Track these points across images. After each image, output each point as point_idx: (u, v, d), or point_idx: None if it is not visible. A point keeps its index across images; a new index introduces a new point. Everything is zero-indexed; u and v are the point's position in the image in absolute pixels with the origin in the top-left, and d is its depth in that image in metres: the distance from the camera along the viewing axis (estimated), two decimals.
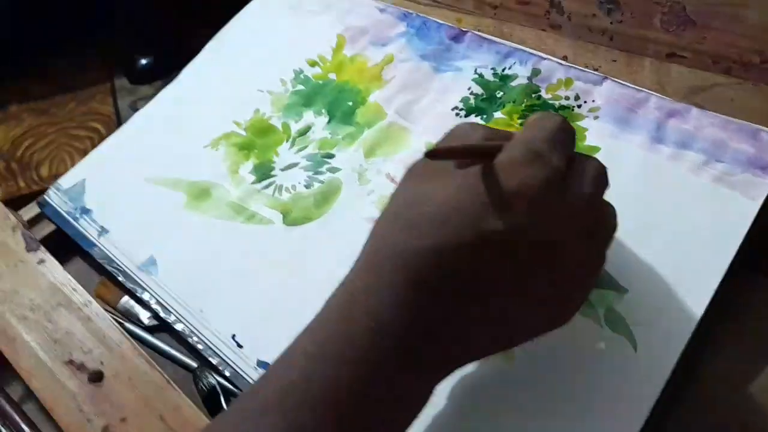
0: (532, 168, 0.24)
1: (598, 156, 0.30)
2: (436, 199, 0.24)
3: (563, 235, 0.24)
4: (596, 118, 0.37)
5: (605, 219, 0.27)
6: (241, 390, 0.34)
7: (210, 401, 0.34)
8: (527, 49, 0.41)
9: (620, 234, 0.29)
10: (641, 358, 0.29)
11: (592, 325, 0.30)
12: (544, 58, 0.40)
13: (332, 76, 0.45)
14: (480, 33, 0.43)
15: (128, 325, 0.39)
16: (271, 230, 0.38)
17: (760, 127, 0.34)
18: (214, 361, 0.35)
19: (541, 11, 0.41)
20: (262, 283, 0.36)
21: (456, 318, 0.24)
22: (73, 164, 0.47)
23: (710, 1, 0.34)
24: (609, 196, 0.27)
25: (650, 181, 0.34)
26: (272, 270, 0.37)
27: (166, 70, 0.56)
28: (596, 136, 0.36)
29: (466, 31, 0.44)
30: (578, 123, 0.37)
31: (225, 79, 0.48)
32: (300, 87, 0.45)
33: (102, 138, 0.50)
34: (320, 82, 0.45)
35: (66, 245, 0.43)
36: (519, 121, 0.38)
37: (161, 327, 0.39)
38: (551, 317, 0.26)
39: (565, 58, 0.41)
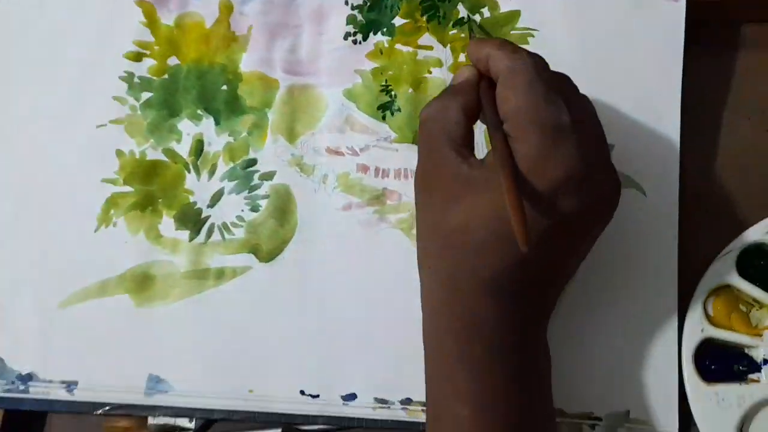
0: (554, 158, 0.23)
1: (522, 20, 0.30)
2: (478, 221, 0.24)
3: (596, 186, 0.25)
4: None
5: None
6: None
7: None
8: None
9: (583, 88, 0.29)
10: (650, 198, 0.32)
11: None
12: None
13: (173, 61, 0.35)
14: None
15: None
16: (254, 275, 0.34)
17: None
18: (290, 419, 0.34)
19: None
20: (286, 330, 0.34)
21: (542, 298, 0.26)
22: None
23: None
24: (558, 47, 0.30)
25: (579, 23, 0.33)
26: (286, 311, 0.34)
27: None
28: None
29: None
30: None
31: (46, 139, 0.35)
32: (146, 95, 0.35)
33: None
34: (166, 76, 0.35)
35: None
36: (425, 18, 0.34)
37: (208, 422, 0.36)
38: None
39: None
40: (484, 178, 0.24)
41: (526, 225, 0.21)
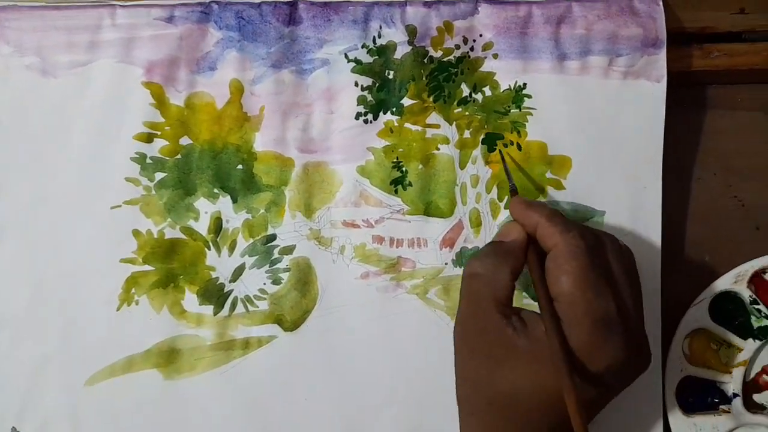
0: (603, 349, 0.27)
1: (529, 102, 0.36)
2: (527, 391, 0.27)
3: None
4: (496, 56, 0.37)
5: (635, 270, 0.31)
6: None
7: None
8: None
9: (578, 160, 0.35)
10: (637, 257, 0.37)
11: None
12: (405, 2, 0.36)
13: (185, 140, 0.37)
14: None
15: None
16: (279, 344, 0.37)
17: None
18: None
19: None
20: (312, 395, 0.37)
21: None
22: None
23: None
24: (556, 124, 0.36)
25: (572, 103, 0.37)
26: (312, 376, 0.37)
27: None
28: (506, 76, 0.37)
29: (296, 2, 0.36)
30: (483, 69, 0.37)
31: (62, 221, 0.37)
32: (160, 175, 0.37)
33: None
34: (179, 156, 0.37)
35: None
36: (431, 98, 0.37)
37: None
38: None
39: None
40: (530, 349, 0.27)
41: (584, 415, 0.25)
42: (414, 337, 0.37)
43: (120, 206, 0.37)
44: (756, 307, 0.38)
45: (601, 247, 0.29)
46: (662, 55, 0.36)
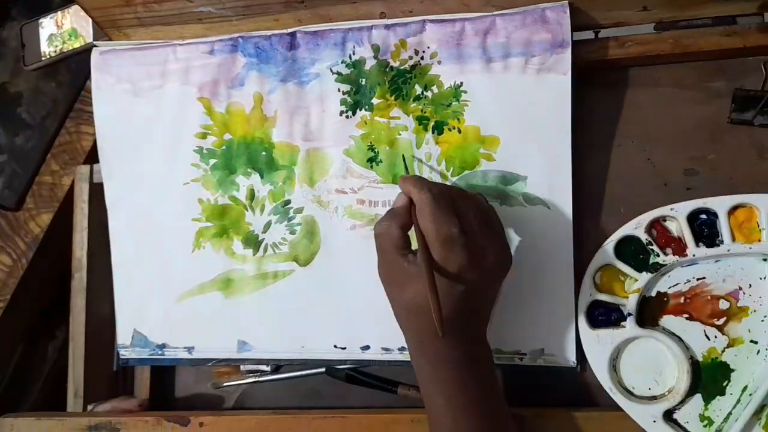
0: (451, 258, 0.40)
1: (465, 96, 0.48)
2: (420, 297, 0.40)
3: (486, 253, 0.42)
4: (440, 62, 0.49)
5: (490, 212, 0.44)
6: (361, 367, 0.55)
7: (350, 379, 0.56)
8: (353, 24, 0.50)
9: (504, 139, 0.48)
10: (552, 210, 0.49)
11: (517, 209, 0.50)
12: (371, 27, 0.50)
13: (227, 136, 0.54)
14: (305, 29, 0.51)
15: (262, 377, 0.58)
16: (298, 275, 0.54)
17: (543, 5, 0.47)
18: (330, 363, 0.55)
19: None
20: (321, 308, 0.54)
21: (475, 327, 0.44)
22: None
23: None
24: (486, 111, 0.48)
25: (497, 95, 0.49)
26: (320, 296, 0.54)
27: None
28: (448, 77, 0.49)
29: (295, 33, 0.51)
30: (430, 73, 0.50)
31: (153, 194, 0.56)
32: (212, 161, 0.54)
33: None
34: (224, 147, 0.54)
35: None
36: (393, 97, 0.50)
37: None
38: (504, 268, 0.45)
39: (383, 14, 0.50)
40: (417, 271, 0.40)
41: (441, 312, 0.38)
42: None
43: (189, 183, 0.55)
44: (651, 248, 0.48)
45: (454, 198, 0.42)
46: (567, 53, 0.47)
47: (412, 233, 0.42)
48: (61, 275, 0.72)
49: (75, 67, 0.70)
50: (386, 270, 0.43)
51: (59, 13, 0.70)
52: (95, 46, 0.56)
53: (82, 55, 0.69)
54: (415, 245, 0.42)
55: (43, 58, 0.70)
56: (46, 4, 0.72)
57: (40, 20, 0.71)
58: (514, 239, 0.50)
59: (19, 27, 0.72)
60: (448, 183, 0.51)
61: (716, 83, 0.50)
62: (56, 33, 0.71)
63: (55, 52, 0.70)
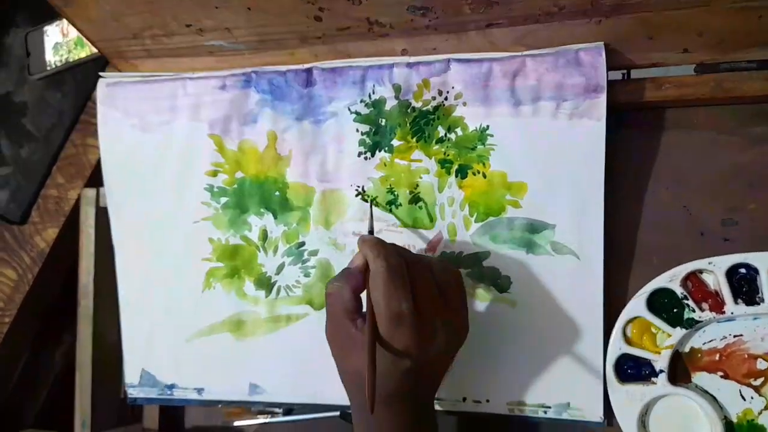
0: (396, 337, 0.38)
1: (491, 140, 0.47)
2: (361, 367, 0.38)
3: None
4: (464, 104, 0.47)
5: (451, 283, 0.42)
6: None
7: None
8: (373, 61, 0.48)
9: (532, 185, 0.46)
10: (583, 261, 0.47)
11: (544, 257, 0.48)
12: (393, 65, 0.47)
13: (239, 175, 0.52)
14: (323, 65, 0.49)
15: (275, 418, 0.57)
16: (313, 319, 0.52)
17: (577, 46, 0.45)
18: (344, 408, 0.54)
19: (364, 30, 0.46)
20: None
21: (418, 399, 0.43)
22: None
23: None
24: (514, 156, 0.46)
25: (526, 140, 0.46)
26: None
27: None
28: (473, 119, 0.47)
29: (311, 69, 0.49)
30: (454, 114, 0.48)
31: (162, 232, 0.54)
32: (224, 199, 0.53)
33: None
34: (235, 186, 0.52)
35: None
36: (414, 138, 0.48)
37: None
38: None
39: (404, 51, 0.48)
40: (364, 341, 0.38)
41: (374, 391, 0.36)
42: None
43: (199, 222, 0.53)
44: (686, 302, 0.46)
45: (412, 268, 0.40)
46: (602, 98, 0.45)
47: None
48: (67, 281, 0.71)
49: (81, 77, 0.68)
50: (333, 332, 0.42)
51: (65, 21, 0.68)
52: (101, 77, 0.54)
53: (89, 65, 0.67)
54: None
55: (48, 68, 0.69)
56: (52, 11, 0.70)
57: (45, 28, 0.69)
58: (540, 289, 0.48)
59: (24, 35, 0.70)
60: (461, 235, 0.49)
61: (757, 128, 0.47)
62: (62, 42, 0.69)
63: (61, 61, 0.68)
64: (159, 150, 0.53)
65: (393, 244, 0.43)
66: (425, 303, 0.40)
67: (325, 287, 0.42)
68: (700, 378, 0.47)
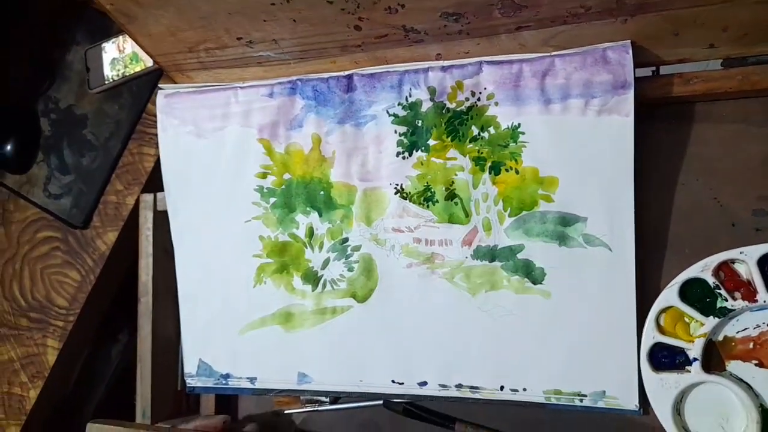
0: None
1: (523, 137, 0.49)
2: None
3: None
4: (497, 104, 0.50)
5: None
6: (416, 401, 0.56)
7: (408, 413, 0.57)
8: (409, 66, 0.51)
9: (564, 180, 0.48)
10: (615, 252, 0.49)
11: (577, 249, 0.50)
12: (428, 69, 0.51)
13: (287, 176, 0.56)
14: (362, 71, 0.52)
15: (321, 407, 0.60)
16: (356, 311, 0.56)
17: (604, 45, 0.47)
18: (387, 396, 0.57)
19: (400, 37, 0.49)
20: (378, 343, 0.55)
21: None
22: None
23: None
24: (545, 153, 0.49)
25: (556, 136, 0.49)
26: (377, 332, 0.55)
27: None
28: (505, 118, 0.50)
29: (351, 75, 0.53)
30: (487, 114, 0.50)
31: (216, 231, 0.59)
32: (273, 199, 0.57)
33: None
34: (283, 186, 0.56)
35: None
36: (449, 138, 0.51)
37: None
38: None
39: (438, 56, 0.51)
40: None
41: None
42: (443, 306, 0.53)
43: (250, 221, 0.58)
44: (718, 291, 0.48)
45: None
46: (630, 94, 0.47)
47: None
48: (124, 283, 0.76)
49: (136, 89, 0.74)
50: None
51: (120, 37, 0.74)
52: (161, 88, 0.59)
53: (143, 78, 0.73)
54: None
55: (106, 82, 0.75)
56: (108, 29, 0.76)
57: (103, 45, 0.75)
58: (573, 280, 0.50)
59: (84, 51, 0.76)
60: (495, 229, 0.51)
61: None
62: (118, 57, 0.75)
63: (118, 75, 0.74)
64: (213, 154, 0.57)
65: None
66: None
67: None
68: (734, 366, 0.48)
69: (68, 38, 0.79)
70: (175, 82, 0.60)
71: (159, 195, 0.63)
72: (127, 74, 0.73)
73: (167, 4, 0.48)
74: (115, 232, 0.75)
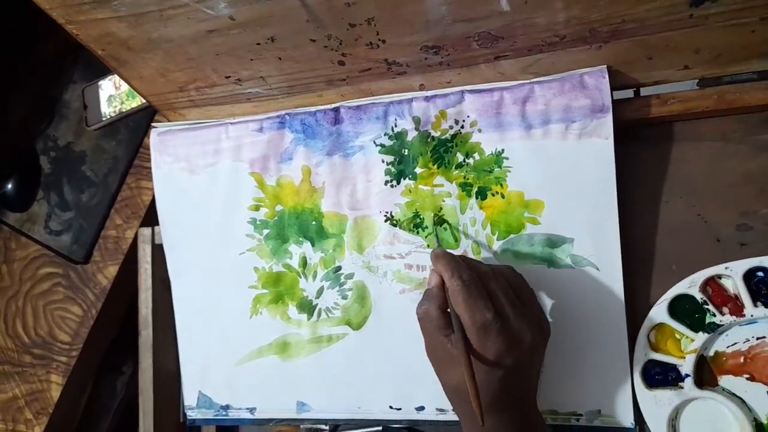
0: (487, 345, 0.41)
1: (507, 162, 0.50)
2: (462, 383, 0.41)
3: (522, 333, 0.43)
4: (480, 131, 0.51)
5: (522, 284, 0.45)
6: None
7: None
8: (394, 97, 0.53)
9: (549, 202, 0.49)
10: (602, 271, 0.50)
11: (565, 270, 0.51)
12: (412, 99, 0.52)
13: (279, 207, 0.57)
14: (348, 104, 0.54)
15: None
16: (352, 339, 0.57)
17: (581, 70, 0.48)
18: (386, 422, 0.58)
19: (383, 70, 0.51)
20: (374, 370, 0.56)
21: (520, 402, 0.45)
22: None
23: (507, 22, 0.45)
24: (529, 176, 0.50)
25: (539, 160, 0.50)
26: (373, 358, 0.56)
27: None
28: (489, 145, 0.51)
29: (338, 108, 0.54)
30: (471, 141, 0.52)
31: (212, 264, 0.60)
32: (266, 231, 0.58)
33: None
34: (276, 218, 0.58)
35: None
36: (435, 165, 0.53)
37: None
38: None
39: (422, 86, 0.52)
40: (458, 353, 0.41)
41: (480, 402, 0.39)
42: None
43: (244, 253, 0.59)
44: (706, 307, 0.48)
45: (484, 279, 0.43)
46: (609, 117, 0.48)
47: None
48: (126, 315, 0.77)
49: (133, 125, 0.76)
50: (432, 351, 0.45)
51: (116, 75, 0.75)
52: (153, 127, 0.61)
53: (140, 113, 0.75)
54: None
55: (103, 119, 0.77)
56: (105, 67, 0.78)
57: (100, 82, 0.77)
58: (563, 301, 0.51)
59: (81, 90, 0.78)
60: (484, 253, 0.52)
61: (764, 135, 0.49)
62: (115, 94, 0.77)
63: (115, 112, 0.76)
64: (206, 189, 0.59)
65: (462, 257, 0.46)
66: (506, 308, 0.42)
67: (416, 312, 0.45)
68: (726, 381, 0.49)
69: (66, 77, 0.81)
70: (169, 120, 0.61)
71: (157, 228, 0.65)
72: (124, 110, 0.75)
73: (156, 48, 0.50)
74: (116, 266, 0.76)
